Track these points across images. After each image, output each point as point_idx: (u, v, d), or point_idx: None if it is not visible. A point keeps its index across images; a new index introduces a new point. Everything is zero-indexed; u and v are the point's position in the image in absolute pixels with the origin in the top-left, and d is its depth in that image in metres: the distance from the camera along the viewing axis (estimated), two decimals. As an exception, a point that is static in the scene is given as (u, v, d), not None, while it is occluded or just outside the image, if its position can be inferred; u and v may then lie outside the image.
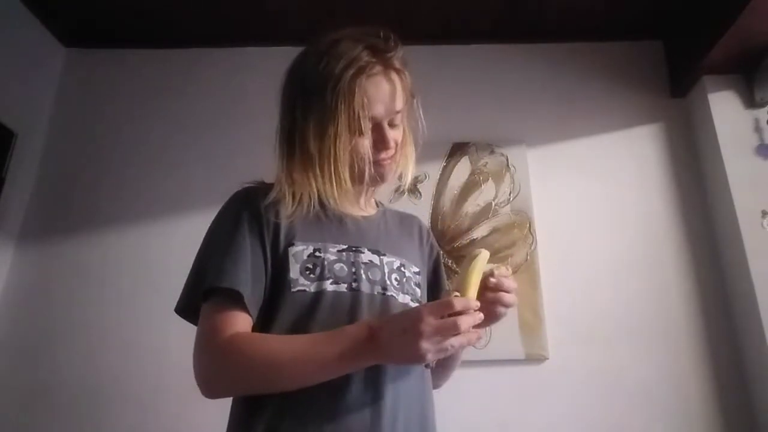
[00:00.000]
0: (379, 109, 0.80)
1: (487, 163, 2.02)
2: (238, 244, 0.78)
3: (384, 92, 0.80)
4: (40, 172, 2.03)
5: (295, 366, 0.69)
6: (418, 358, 0.63)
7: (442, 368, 0.94)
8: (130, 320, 1.82)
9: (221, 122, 2.08)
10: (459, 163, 2.02)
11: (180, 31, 2.15)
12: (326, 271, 0.78)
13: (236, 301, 0.74)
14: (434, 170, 2.01)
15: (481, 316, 0.68)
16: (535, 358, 1.76)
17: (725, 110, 1.93)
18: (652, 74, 2.15)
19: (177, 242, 1.89)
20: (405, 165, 0.91)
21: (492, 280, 0.80)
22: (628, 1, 2.01)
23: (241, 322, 0.74)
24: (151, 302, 1.82)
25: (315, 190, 0.80)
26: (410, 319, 0.64)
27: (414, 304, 0.85)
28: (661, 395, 1.74)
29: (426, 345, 0.62)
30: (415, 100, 0.89)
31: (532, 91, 2.14)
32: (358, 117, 0.77)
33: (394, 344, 0.64)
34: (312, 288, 0.77)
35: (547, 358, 1.77)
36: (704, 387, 1.75)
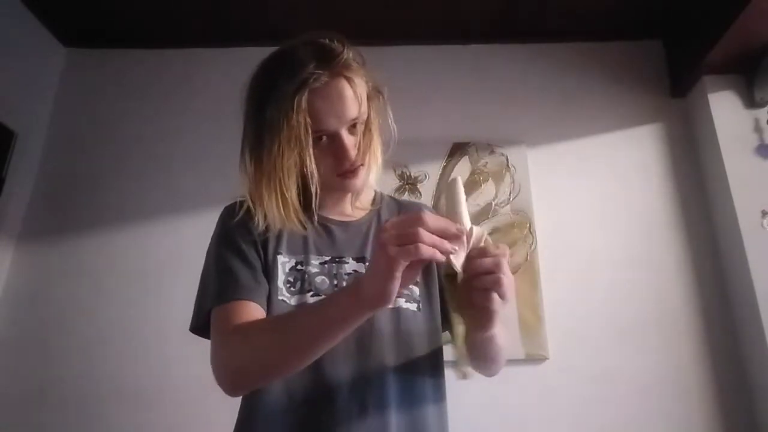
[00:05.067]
0: (329, 122, 0.77)
1: (487, 163, 2.02)
2: (234, 256, 0.80)
3: (332, 103, 0.77)
4: (40, 172, 2.03)
5: (299, 321, 0.69)
6: (387, 261, 0.58)
7: (477, 356, 0.85)
8: (130, 319, 1.82)
9: (221, 122, 2.07)
10: (459, 163, 2.02)
11: (179, 31, 2.15)
12: (307, 284, 0.80)
13: (240, 299, 0.76)
14: (434, 170, 2.01)
15: (459, 229, 0.61)
16: (535, 358, 1.76)
17: (725, 110, 1.93)
18: (652, 74, 2.15)
19: (177, 242, 1.89)
20: (372, 166, 0.87)
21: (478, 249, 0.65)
22: (628, 1, 2.01)
23: (250, 310, 0.76)
24: (150, 301, 1.82)
25: (273, 205, 0.79)
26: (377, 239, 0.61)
27: (412, 305, 0.83)
28: (661, 395, 1.74)
29: (388, 250, 0.57)
30: (380, 99, 0.85)
31: (532, 91, 2.14)
32: (301, 133, 0.75)
33: (368, 272, 0.61)
34: (292, 301, 0.79)
35: (547, 358, 1.77)
36: (704, 386, 1.75)
